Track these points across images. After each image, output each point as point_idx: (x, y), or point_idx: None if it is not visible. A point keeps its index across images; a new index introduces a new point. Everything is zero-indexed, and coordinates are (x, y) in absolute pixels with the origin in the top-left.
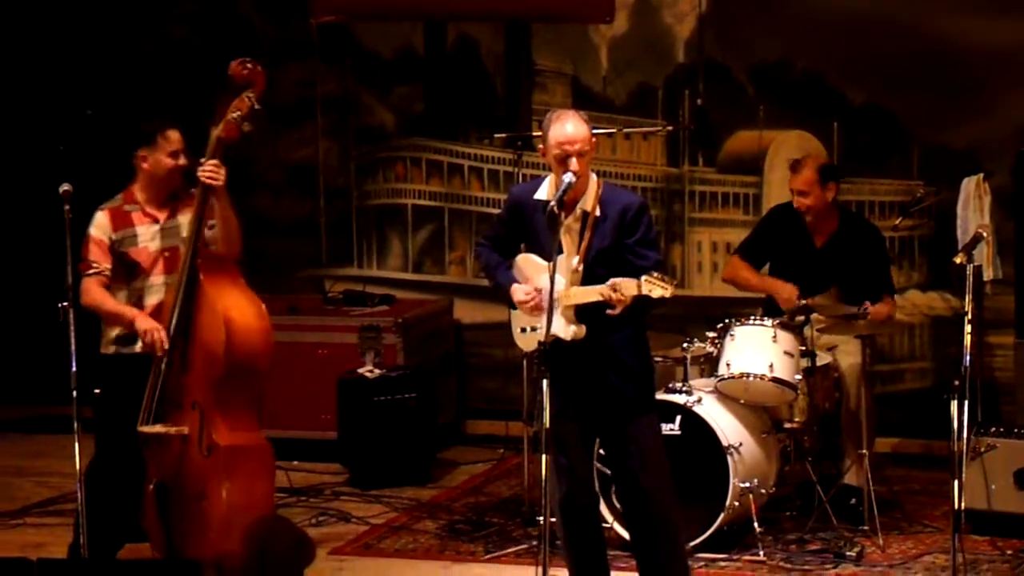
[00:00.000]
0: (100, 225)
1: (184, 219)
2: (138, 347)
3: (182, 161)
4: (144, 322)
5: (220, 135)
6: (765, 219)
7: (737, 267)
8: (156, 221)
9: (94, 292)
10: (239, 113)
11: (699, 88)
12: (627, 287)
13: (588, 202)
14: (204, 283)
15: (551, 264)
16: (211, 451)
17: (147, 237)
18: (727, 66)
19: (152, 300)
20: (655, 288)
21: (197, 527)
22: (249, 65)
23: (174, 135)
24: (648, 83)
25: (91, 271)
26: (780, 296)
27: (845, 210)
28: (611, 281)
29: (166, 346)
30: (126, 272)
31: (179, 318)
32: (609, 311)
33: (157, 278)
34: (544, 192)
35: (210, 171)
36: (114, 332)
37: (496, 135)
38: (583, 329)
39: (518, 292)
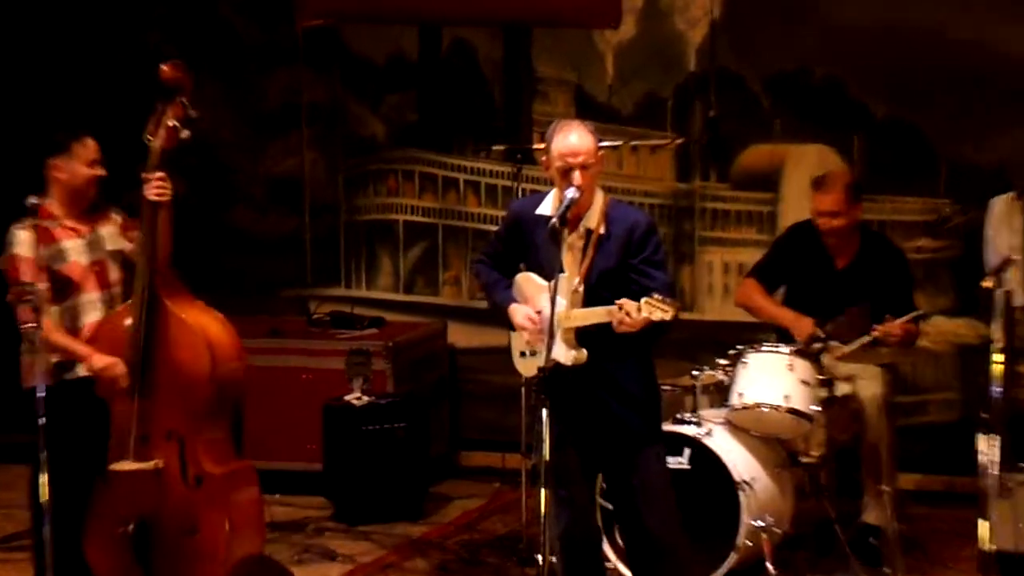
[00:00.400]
0: (25, 243)
1: (105, 231)
2: (81, 371)
3: (99, 171)
4: (100, 360)
5: (162, 145)
6: (782, 239)
7: (751, 290)
8: (79, 235)
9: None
10: (176, 121)
11: (711, 98)
12: (633, 309)
13: (593, 219)
14: (169, 305)
15: (551, 284)
16: (201, 481)
17: (76, 252)
18: (741, 75)
19: (90, 318)
20: (655, 311)
21: (187, 563)
22: (180, 67)
23: (91, 143)
24: (656, 93)
25: (28, 297)
26: (795, 332)
27: (867, 230)
28: (619, 301)
29: (126, 381)
30: (57, 291)
31: (143, 344)
32: (620, 330)
33: (91, 295)
34: (547, 207)
35: (158, 186)
36: (52, 359)
37: (494, 147)
38: (584, 354)
39: (518, 314)
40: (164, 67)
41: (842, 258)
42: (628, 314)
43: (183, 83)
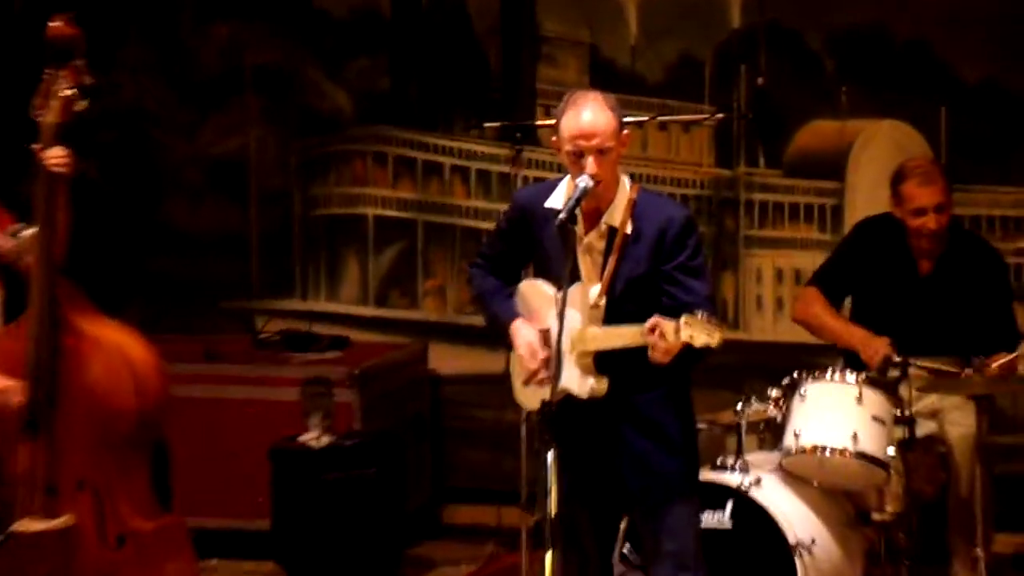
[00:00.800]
0: None
1: None
2: None
3: None
4: None
5: (56, 120)
6: (850, 238)
7: (812, 302)
8: None
9: None
10: (70, 90)
11: (760, 62)
12: (670, 330)
13: (616, 214)
14: (74, 318)
15: (558, 295)
16: (124, 541)
17: None
18: (798, 32)
19: None
20: (698, 334)
21: None
22: (71, 23)
23: None
24: (691, 55)
25: None
26: (865, 352)
27: (958, 227)
28: (652, 320)
29: (23, 412)
30: None
31: (40, 369)
32: (653, 358)
33: None
34: (559, 198)
35: (60, 157)
36: None
37: (488, 124)
38: (604, 384)
39: (522, 336)
40: (52, 24)
41: (927, 261)
42: (663, 336)
43: (76, 42)
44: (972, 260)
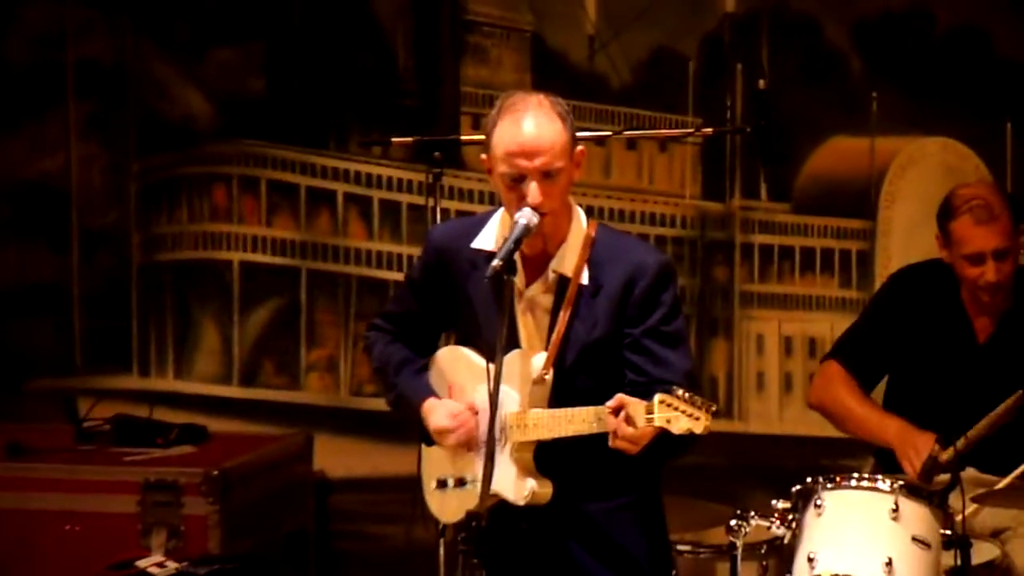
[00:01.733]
0: None
1: None
2: None
3: None
4: None
5: None
6: (885, 295)
7: (833, 382)
8: None
9: None
10: None
11: (761, 59)
12: (639, 412)
13: (568, 260)
14: None
15: (494, 366)
16: None
17: None
18: (814, 19)
19: None
20: (678, 417)
21: None
22: None
23: None
24: (670, 48)
25: None
26: (902, 450)
27: None
28: (617, 398)
29: None
30: None
31: None
32: (617, 446)
33: None
34: (489, 238)
35: None
36: None
37: (396, 139)
38: (548, 488)
39: (437, 412)
40: None
41: (987, 322)
42: (630, 421)
43: None
44: None
